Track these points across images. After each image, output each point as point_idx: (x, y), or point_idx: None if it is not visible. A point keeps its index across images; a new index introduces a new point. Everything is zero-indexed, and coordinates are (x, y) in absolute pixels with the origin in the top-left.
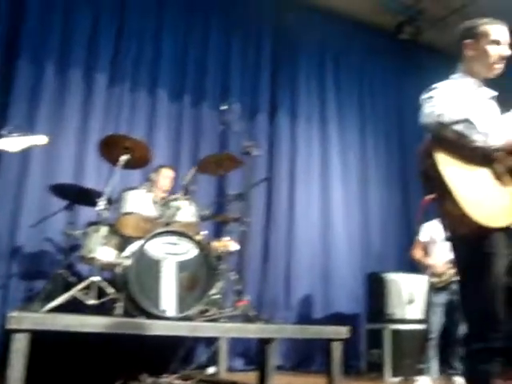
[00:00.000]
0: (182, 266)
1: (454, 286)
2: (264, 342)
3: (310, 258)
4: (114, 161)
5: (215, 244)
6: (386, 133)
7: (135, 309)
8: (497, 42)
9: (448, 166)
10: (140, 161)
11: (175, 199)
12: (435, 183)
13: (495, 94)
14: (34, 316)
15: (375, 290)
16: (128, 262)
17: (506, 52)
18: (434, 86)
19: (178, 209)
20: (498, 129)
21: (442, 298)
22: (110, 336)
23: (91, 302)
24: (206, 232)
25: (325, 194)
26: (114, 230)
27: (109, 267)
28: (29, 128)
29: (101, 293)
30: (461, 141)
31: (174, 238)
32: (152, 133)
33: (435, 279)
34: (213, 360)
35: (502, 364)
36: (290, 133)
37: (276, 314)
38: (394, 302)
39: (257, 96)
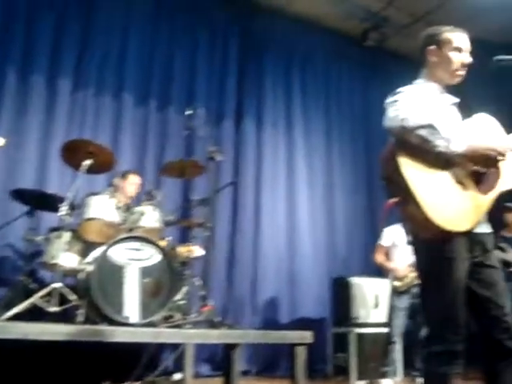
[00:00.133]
0: (146, 272)
1: (416, 290)
2: (229, 348)
3: (276, 262)
4: (77, 166)
5: (180, 249)
6: (352, 138)
7: (98, 315)
8: (459, 50)
9: (411, 170)
10: (103, 166)
11: (139, 204)
12: (398, 187)
13: (457, 100)
14: None
15: (340, 294)
16: (90, 268)
17: (468, 59)
18: (398, 90)
19: (141, 214)
20: (460, 135)
21: (404, 302)
22: (72, 343)
23: (53, 309)
24: (170, 237)
25: (291, 199)
26: (77, 235)
27: (72, 273)
28: None
29: (63, 300)
30: (424, 145)
31: (137, 244)
32: (117, 138)
33: (397, 283)
34: (179, 366)
35: (462, 365)
36: (256, 138)
37: (242, 319)
38: (359, 305)
39: (223, 101)
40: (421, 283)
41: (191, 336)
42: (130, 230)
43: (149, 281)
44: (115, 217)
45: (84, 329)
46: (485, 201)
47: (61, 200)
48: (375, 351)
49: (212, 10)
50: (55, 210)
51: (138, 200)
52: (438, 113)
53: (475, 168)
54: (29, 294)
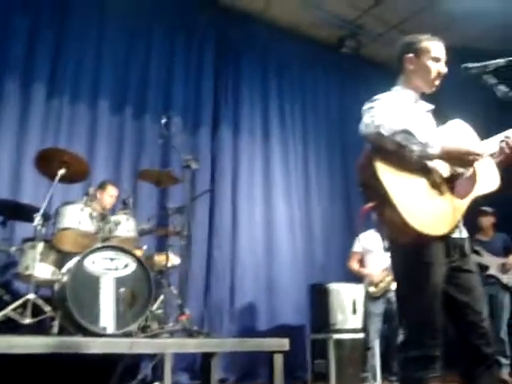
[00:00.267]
0: (121, 282)
1: (391, 295)
2: (207, 356)
3: (253, 270)
4: (51, 175)
5: (156, 258)
6: (328, 144)
7: (73, 326)
8: (436, 60)
9: (388, 175)
10: (78, 175)
11: (114, 213)
12: (375, 192)
13: (432, 107)
14: None
15: (319, 301)
16: (65, 279)
17: (444, 70)
18: (375, 97)
19: (117, 223)
20: (435, 139)
21: (379, 307)
22: (47, 356)
23: (27, 321)
24: (146, 246)
25: (268, 206)
26: (52, 245)
27: (46, 284)
28: None
29: (38, 311)
30: (400, 151)
31: (112, 254)
32: (92, 146)
33: (372, 289)
34: (157, 375)
35: (439, 370)
36: (232, 146)
37: (221, 327)
38: (337, 311)
39: (199, 108)
40: (398, 288)
41: (167, 346)
42: (106, 239)
43: (125, 290)
44: (90, 226)
45: (58, 341)
46: (461, 205)
47: (35, 210)
48: (354, 357)
49: (188, 15)
50: (29, 220)
51: (113, 209)
52: (414, 119)
53: (453, 169)
54: (2, 305)
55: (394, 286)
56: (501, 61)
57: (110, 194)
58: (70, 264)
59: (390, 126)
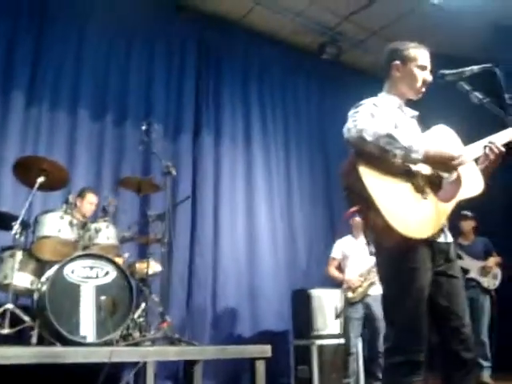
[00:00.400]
0: (102, 290)
1: (369, 299)
2: (190, 364)
3: (235, 277)
4: (30, 183)
5: (138, 266)
6: (310, 149)
7: (53, 336)
8: (423, 68)
9: (371, 179)
10: (58, 183)
11: (95, 221)
12: (359, 197)
13: (416, 113)
14: None
15: (301, 307)
16: (45, 288)
17: (429, 78)
18: (360, 102)
19: (97, 231)
20: (418, 144)
21: (358, 312)
22: (25, 365)
23: (5, 331)
24: (126, 254)
25: (250, 213)
26: (31, 254)
27: (26, 293)
28: None
29: (17, 321)
30: (383, 155)
31: (92, 261)
32: (72, 153)
33: (350, 294)
34: (140, 383)
35: (423, 374)
36: (214, 152)
37: (203, 335)
38: (320, 317)
39: (180, 115)
40: (383, 293)
41: (148, 354)
42: (86, 247)
43: (105, 299)
44: (70, 234)
45: (36, 351)
46: (445, 208)
47: (14, 218)
48: (337, 362)
49: (169, 22)
50: (8, 228)
51: (93, 216)
52: (398, 124)
53: (436, 173)
54: None
55: (371, 290)
56: (475, 68)
57: (89, 202)
58: (50, 272)
59: (373, 131)
